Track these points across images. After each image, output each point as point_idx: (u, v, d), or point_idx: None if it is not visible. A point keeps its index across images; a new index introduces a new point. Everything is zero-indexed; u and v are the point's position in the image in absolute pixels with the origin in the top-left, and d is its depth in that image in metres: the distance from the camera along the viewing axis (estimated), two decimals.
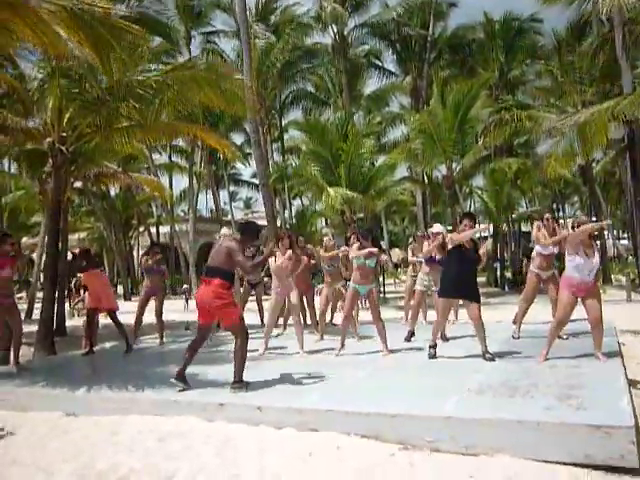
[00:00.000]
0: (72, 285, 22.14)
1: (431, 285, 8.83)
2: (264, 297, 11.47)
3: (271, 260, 8.04)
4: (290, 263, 8.06)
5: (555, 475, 3.96)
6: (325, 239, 9.92)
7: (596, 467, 3.99)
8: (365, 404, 5.03)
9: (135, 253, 36.74)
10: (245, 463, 4.30)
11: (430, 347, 7.18)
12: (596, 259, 6.47)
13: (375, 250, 7.67)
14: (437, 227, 8.91)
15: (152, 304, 10.08)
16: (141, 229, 35.87)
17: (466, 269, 6.98)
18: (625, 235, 48.91)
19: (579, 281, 6.43)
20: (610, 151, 24.69)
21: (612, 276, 25.65)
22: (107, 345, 10.35)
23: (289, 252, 8.02)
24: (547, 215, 8.20)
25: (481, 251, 7.19)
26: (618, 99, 11.40)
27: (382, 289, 22.05)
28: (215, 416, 5.29)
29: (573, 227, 6.70)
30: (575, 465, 4.02)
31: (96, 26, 8.66)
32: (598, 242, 30.47)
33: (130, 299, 23.03)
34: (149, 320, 10.63)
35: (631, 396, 5.05)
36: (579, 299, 6.56)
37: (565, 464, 4.04)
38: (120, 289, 31.09)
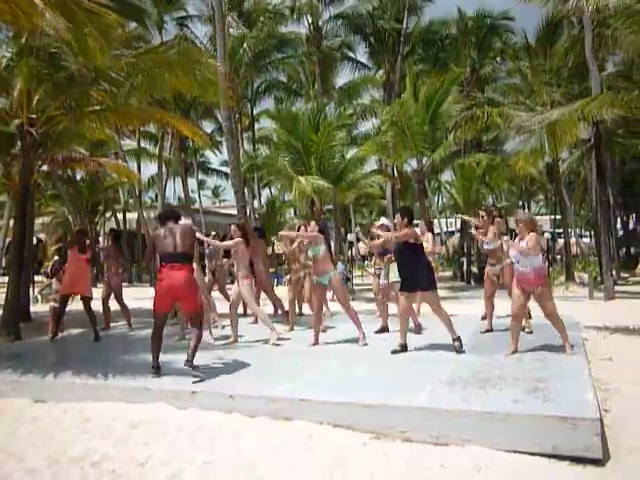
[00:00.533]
0: (49, 270, 21.60)
1: (387, 277, 8.85)
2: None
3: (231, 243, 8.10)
4: (241, 250, 7.99)
5: (523, 465, 4.07)
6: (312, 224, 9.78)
7: (562, 458, 4.11)
8: (338, 394, 5.09)
9: (101, 239, 36.20)
10: (219, 450, 4.33)
11: (400, 345, 7.19)
12: (512, 252, 6.67)
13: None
14: (382, 220, 9.07)
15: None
16: (108, 215, 35.35)
17: (409, 262, 7.03)
18: (588, 233, 49.96)
19: (518, 273, 6.67)
20: (576, 150, 25.14)
21: (575, 273, 26.13)
22: (74, 332, 10.21)
23: (237, 240, 7.98)
24: (482, 212, 8.41)
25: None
26: (587, 100, 11.62)
27: (351, 281, 22.12)
28: (187, 404, 5.30)
29: (516, 221, 6.91)
30: (542, 455, 4.14)
31: (72, 6, 8.52)
32: (561, 240, 31.00)
33: (96, 285, 22.69)
34: (115, 307, 10.56)
35: (595, 390, 5.20)
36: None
37: (533, 454, 4.16)
38: None
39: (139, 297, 18.04)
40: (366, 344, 7.60)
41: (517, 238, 6.88)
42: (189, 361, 5.88)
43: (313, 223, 8.06)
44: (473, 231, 8.52)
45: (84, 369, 6.35)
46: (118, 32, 11.27)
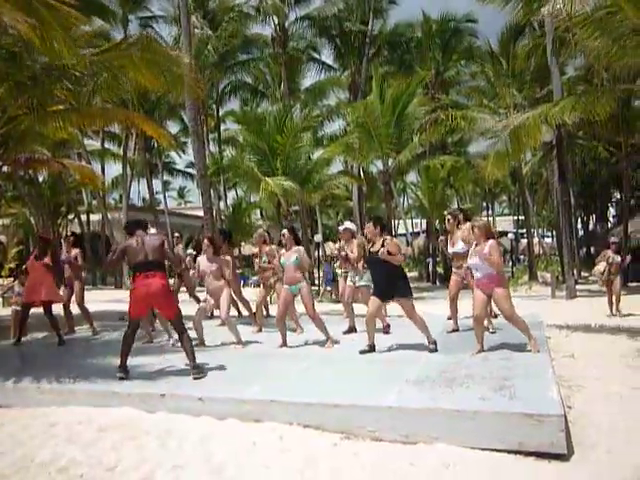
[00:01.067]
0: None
1: (354, 280, 8.87)
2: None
3: (200, 260, 8.06)
4: (215, 269, 7.95)
5: (490, 462, 4.14)
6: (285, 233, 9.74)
7: (528, 454, 4.19)
8: (307, 395, 5.11)
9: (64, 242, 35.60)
10: (189, 453, 4.30)
11: (368, 345, 7.20)
12: (477, 257, 6.78)
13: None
14: (347, 224, 9.10)
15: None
16: (71, 217, 34.78)
17: (380, 271, 7.06)
18: (550, 234, 50.94)
19: (478, 279, 6.83)
20: (539, 153, 25.64)
21: (538, 273, 26.67)
22: (39, 335, 10.02)
23: (216, 260, 7.96)
24: (448, 216, 8.53)
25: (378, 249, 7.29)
26: (550, 104, 11.87)
27: (317, 282, 22.20)
28: (156, 407, 5.25)
29: (472, 227, 7.05)
30: (509, 452, 4.22)
31: (33, 2, 8.36)
32: (524, 240, 31.55)
33: (59, 287, 22.35)
34: (77, 310, 10.41)
35: (559, 387, 5.32)
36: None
37: (500, 451, 4.23)
38: None
39: (103, 300, 17.84)
40: (333, 346, 7.62)
41: (474, 244, 6.95)
42: (193, 366, 5.99)
43: (286, 231, 8.01)
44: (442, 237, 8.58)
45: (49, 373, 6.23)
46: (81, 30, 11.10)
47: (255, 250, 9.95)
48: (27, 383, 6.00)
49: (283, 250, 8.13)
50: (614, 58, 8.82)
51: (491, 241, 6.72)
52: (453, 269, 8.56)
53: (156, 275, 6.06)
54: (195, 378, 5.88)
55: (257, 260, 9.72)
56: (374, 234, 7.09)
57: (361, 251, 8.26)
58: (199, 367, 6.05)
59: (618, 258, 12.59)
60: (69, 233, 11.21)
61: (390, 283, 6.97)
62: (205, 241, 8.25)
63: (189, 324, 8.85)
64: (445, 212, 8.82)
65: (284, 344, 7.75)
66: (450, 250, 8.37)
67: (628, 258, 13.28)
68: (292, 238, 7.82)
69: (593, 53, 9.31)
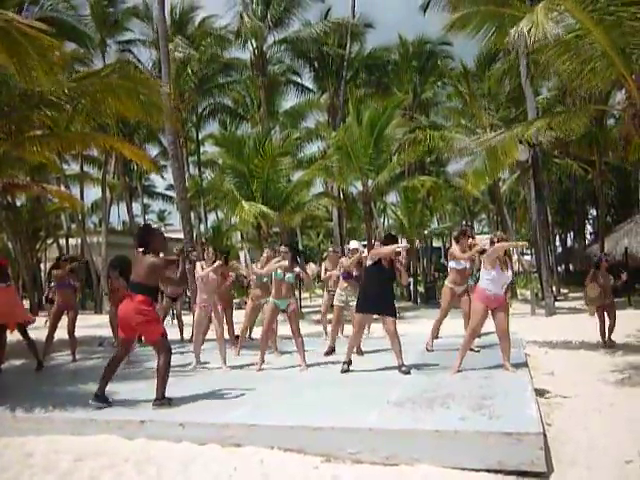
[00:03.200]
0: (44, 296, 21.33)
1: (349, 300, 8.99)
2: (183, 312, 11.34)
3: (198, 270, 8.04)
4: (218, 276, 8.03)
5: None
6: (266, 251, 9.71)
7: (508, 472, 4.21)
8: (288, 418, 5.10)
9: (42, 266, 35.19)
10: None
11: (344, 363, 7.28)
12: (509, 273, 6.85)
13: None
14: (354, 244, 9.16)
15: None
16: (49, 241, 34.45)
17: (383, 286, 7.18)
18: (529, 251, 51.37)
19: (493, 294, 6.79)
20: (516, 171, 25.97)
21: (517, 290, 26.85)
22: (16, 362, 9.87)
23: (217, 264, 8.00)
24: (464, 229, 8.60)
25: (398, 263, 7.38)
26: (525, 124, 12.08)
27: (299, 303, 22.14)
28: (135, 434, 5.18)
29: (492, 242, 7.06)
30: (489, 471, 4.23)
31: (9, 29, 8.37)
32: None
33: (37, 313, 22.01)
34: (59, 336, 10.27)
35: (538, 405, 5.36)
36: (490, 311, 6.93)
37: (480, 471, 4.24)
38: (26, 303, 29.66)
39: (82, 325, 17.61)
40: (306, 369, 7.63)
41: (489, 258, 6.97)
42: (157, 399, 5.78)
43: (285, 248, 8.00)
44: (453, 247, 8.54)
45: (25, 401, 6.12)
46: (58, 55, 11.11)
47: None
48: (1, 412, 5.89)
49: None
50: (585, 79, 9.04)
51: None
52: (450, 284, 8.54)
53: (133, 298, 5.83)
54: (154, 407, 5.70)
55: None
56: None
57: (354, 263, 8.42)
58: (163, 399, 5.80)
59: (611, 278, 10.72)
60: (63, 257, 11.06)
61: (385, 297, 7.10)
62: (210, 250, 8.22)
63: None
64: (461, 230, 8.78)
65: (262, 364, 7.74)
66: (453, 266, 8.36)
67: (624, 276, 10.96)
68: (292, 256, 7.82)
69: (564, 74, 9.52)
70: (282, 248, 8.04)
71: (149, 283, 5.89)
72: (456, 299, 8.49)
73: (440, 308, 8.83)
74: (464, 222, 43.94)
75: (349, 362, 7.29)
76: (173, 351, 8.45)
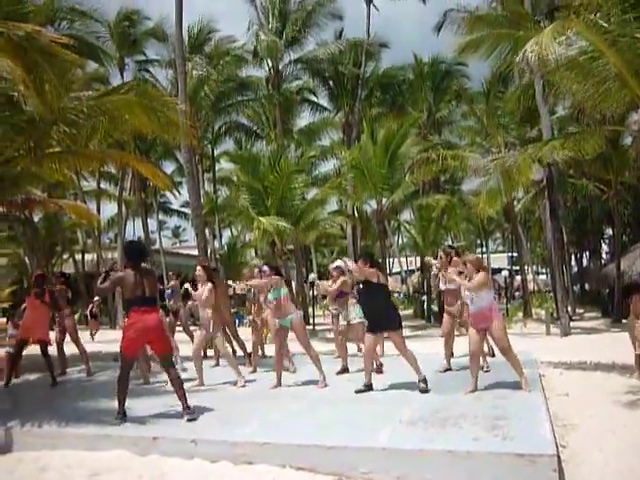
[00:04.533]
0: (88, 311, 21.73)
1: (350, 319, 8.94)
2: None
3: (206, 292, 8.09)
4: (210, 295, 7.98)
5: None
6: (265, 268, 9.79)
7: None
8: (300, 436, 5.10)
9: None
10: None
11: (364, 385, 7.20)
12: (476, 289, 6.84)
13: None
14: (337, 262, 9.20)
15: None
16: (65, 256, 34.74)
17: (376, 301, 7.13)
18: (544, 270, 51.05)
19: (471, 312, 6.87)
20: (531, 190, 25.91)
21: (532, 310, 26.65)
22: (31, 377, 9.94)
23: (209, 284, 7.99)
24: (440, 253, 8.62)
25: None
26: (540, 144, 12.10)
27: (312, 320, 22.14)
28: (148, 450, 5.21)
29: (464, 263, 7.12)
30: None
31: (28, 48, 8.54)
32: (518, 277, 31.53)
33: (52, 328, 22.22)
34: (70, 351, 10.36)
35: (552, 426, 5.32)
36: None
37: None
38: None
39: (97, 340, 17.74)
40: (326, 386, 7.61)
41: (467, 279, 7.04)
42: (186, 408, 5.95)
43: (266, 267, 8.09)
44: (435, 270, 8.63)
45: (40, 416, 6.17)
46: (77, 73, 11.31)
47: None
48: (16, 426, 5.93)
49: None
50: (599, 100, 9.06)
51: (481, 272, 6.83)
52: (445, 307, 8.62)
53: (153, 311, 6.07)
54: (189, 420, 5.84)
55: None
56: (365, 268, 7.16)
57: (345, 285, 8.48)
58: (191, 408, 5.99)
59: None
60: (56, 274, 11.23)
61: (382, 313, 7.06)
62: (198, 267, 8.25)
63: (187, 363, 8.93)
64: (439, 250, 8.89)
65: (279, 384, 7.73)
66: (442, 287, 8.43)
67: None
68: (273, 272, 7.86)
69: (578, 95, 9.55)
70: (264, 267, 8.19)
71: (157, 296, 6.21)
72: (455, 319, 8.46)
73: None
74: (477, 242, 43.82)
75: (369, 385, 7.21)
76: (184, 366, 8.58)
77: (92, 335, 19.91)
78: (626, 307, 21.54)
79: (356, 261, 7.45)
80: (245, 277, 10.04)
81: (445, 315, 8.61)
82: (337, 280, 8.86)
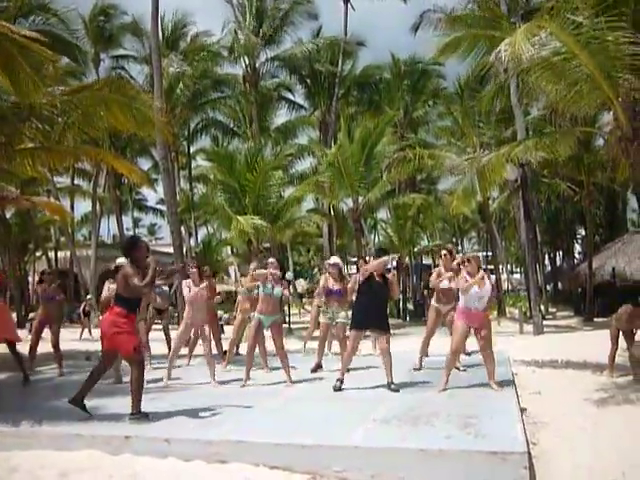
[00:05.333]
0: (80, 309, 21.09)
1: (335, 317, 8.97)
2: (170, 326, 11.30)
3: (185, 289, 8.07)
4: (205, 292, 8.05)
5: None
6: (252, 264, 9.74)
7: None
8: (274, 435, 5.09)
9: (30, 278, 34.96)
10: None
11: (337, 380, 7.27)
12: (486, 287, 6.88)
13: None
14: (334, 259, 9.19)
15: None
16: (38, 253, 34.28)
17: (376, 301, 7.19)
18: (518, 270, 51.65)
19: (471, 311, 6.85)
20: (506, 190, 26.19)
21: (506, 309, 26.94)
22: (1, 376, 9.80)
23: (205, 282, 8.03)
24: (444, 251, 8.64)
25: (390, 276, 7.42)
26: (514, 144, 12.24)
27: (287, 319, 22.13)
28: (120, 449, 5.15)
29: (463, 262, 7.16)
30: None
31: (2, 41, 8.41)
32: (493, 276, 31.87)
33: (24, 326, 21.87)
34: (45, 350, 10.21)
35: (524, 424, 5.38)
36: (473, 330, 6.98)
37: None
38: (14, 316, 29.41)
39: (69, 338, 17.51)
40: (291, 385, 7.62)
41: (467, 276, 7.04)
42: (133, 413, 5.79)
43: (274, 260, 8.04)
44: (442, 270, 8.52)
45: (10, 415, 6.06)
46: (51, 69, 11.15)
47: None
48: None
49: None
50: (572, 101, 9.18)
51: (482, 272, 6.92)
52: (435, 304, 8.57)
53: (112, 309, 5.97)
54: (130, 421, 5.71)
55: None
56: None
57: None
58: (139, 413, 5.81)
59: None
60: (47, 271, 11.03)
61: (382, 312, 7.16)
62: (193, 268, 8.25)
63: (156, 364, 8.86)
64: (443, 249, 8.84)
65: (247, 380, 7.73)
66: (446, 285, 8.36)
67: None
68: (280, 268, 7.86)
69: (551, 96, 9.67)
70: (270, 259, 8.08)
71: (124, 294, 5.94)
72: (442, 318, 8.51)
73: (426, 327, 8.86)
74: (452, 241, 44.16)
75: (342, 380, 7.26)
76: (159, 366, 8.49)
77: (82, 333, 19.40)
78: (598, 306, 21.95)
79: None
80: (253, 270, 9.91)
81: (434, 311, 8.55)
82: (336, 278, 8.78)
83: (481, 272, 6.91)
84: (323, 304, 9.16)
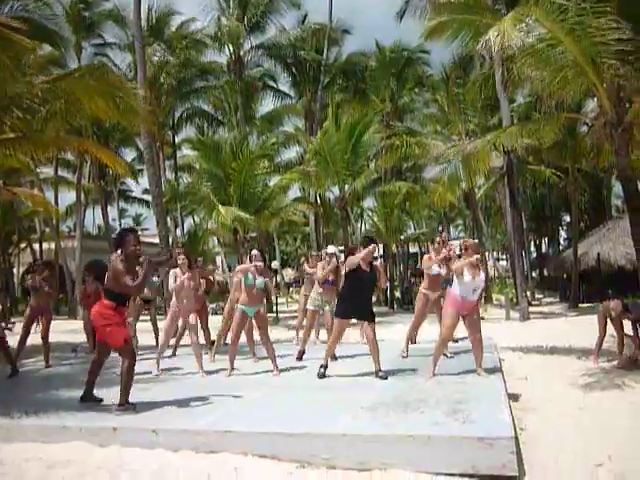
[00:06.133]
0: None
1: (323, 305, 9.00)
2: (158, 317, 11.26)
3: (171, 279, 8.02)
4: (191, 283, 8.01)
5: None
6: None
7: (481, 477, 4.24)
8: (262, 424, 5.08)
9: (15, 270, 34.67)
10: None
11: (321, 366, 7.29)
12: (481, 278, 6.89)
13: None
14: (331, 248, 9.17)
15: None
16: (22, 245, 33.96)
17: (363, 290, 7.18)
18: (504, 257, 51.96)
19: (464, 299, 6.84)
20: (492, 177, 26.26)
21: (493, 295, 27.09)
22: None
23: (188, 273, 7.98)
24: (438, 239, 8.65)
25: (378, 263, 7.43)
26: (499, 131, 12.25)
27: (275, 308, 22.11)
28: (108, 441, 5.12)
29: (461, 249, 7.13)
30: (462, 475, 4.25)
31: None
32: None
33: (9, 318, 21.75)
34: (33, 341, 10.13)
35: (511, 409, 5.41)
36: (461, 317, 6.99)
37: (453, 475, 4.27)
38: None
39: (56, 330, 17.38)
40: (278, 374, 7.62)
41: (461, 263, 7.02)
42: (120, 404, 5.76)
43: (257, 252, 8.01)
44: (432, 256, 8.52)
45: None
46: (32, 57, 11.00)
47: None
48: None
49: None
50: (557, 88, 9.18)
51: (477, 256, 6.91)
52: (424, 290, 8.60)
53: (100, 302, 5.96)
54: (117, 412, 5.68)
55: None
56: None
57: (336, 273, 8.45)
58: (127, 404, 5.80)
59: None
60: (37, 262, 10.92)
61: (367, 303, 7.17)
62: (181, 255, 8.19)
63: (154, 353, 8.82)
64: (438, 236, 8.84)
65: (232, 370, 7.72)
66: (436, 271, 8.36)
67: None
68: (262, 259, 7.84)
69: (536, 82, 9.67)
70: (254, 252, 8.05)
71: (112, 288, 5.88)
72: (431, 305, 8.52)
73: (415, 314, 8.87)
74: (440, 228, 44.29)
75: (325, 366, 7.29)
76: (147, 357, 8.46)
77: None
78: (583, 292, 22.11)
79: (319, 248, 7.44)
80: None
81: (423, 298, 8.51)
82: (326, 266, 8.79)
83: (475, 256, 6.88)
84: (316, 292, 9.15)
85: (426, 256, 8.68)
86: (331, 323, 8.42)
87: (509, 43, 7.99)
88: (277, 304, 23.88)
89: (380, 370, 7.05)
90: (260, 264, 7.67)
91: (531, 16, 8.16)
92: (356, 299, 7.14)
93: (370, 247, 7.17)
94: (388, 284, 29.56)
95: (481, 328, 6.96)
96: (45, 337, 9.65)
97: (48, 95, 10.61)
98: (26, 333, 9.64)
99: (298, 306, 11.71)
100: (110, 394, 6.48)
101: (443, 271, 8.22)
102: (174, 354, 9.92)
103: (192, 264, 8.39)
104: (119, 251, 5.92)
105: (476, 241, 7.81)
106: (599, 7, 8.22)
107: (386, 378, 6.94)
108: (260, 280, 7.67)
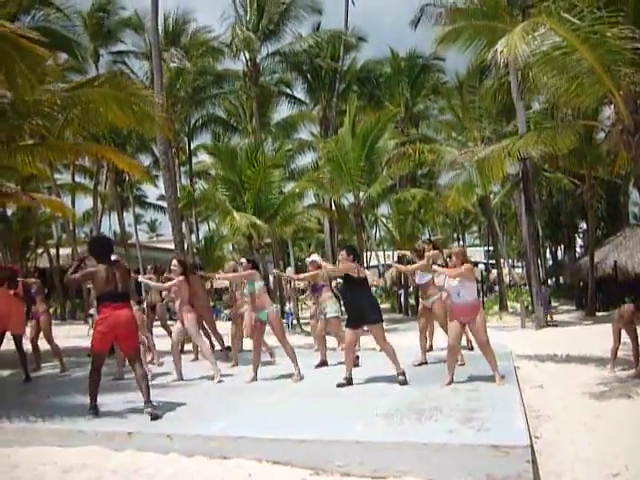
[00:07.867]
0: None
1: (323, 312, 8.96)
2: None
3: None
4: (174, 289, 8.01)
5: None
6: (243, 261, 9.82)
7: None
8: (276, 430, 5.09)
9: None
10: None
11: (344, 379, 7.15)
12: (465, 282, 6.83)
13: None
14: (313, 257, 9.20)
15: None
16: (40, 251, 34.28)
17: (357, 295, 7.12)
18: (520, 264, 51.61)
19: (455, 305, 6.87)
20: (507, 184, 26.15)
21: (508, 303, 26.91)
22: (4, 373, 9.80)
23: (179, 279, 7.95)
24: (416, 246, 8.74)
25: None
26: (514, 138, 12.20)
27: (290, 312, 22.13)
28: (123, 446, 5.16)
29: (450, 256, 7.15)
30: None
31: None
32: (494, 270, 31.70)
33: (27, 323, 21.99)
34: (46, 346, 10.24)
35: (526, 417, 5.38)
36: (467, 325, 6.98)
37: None
38: None
39: (72, 335, 17.55)
40: (301, 379, 7.62)
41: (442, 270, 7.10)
42: (147, 402, 5.83)
43: (244, 260, 8.05)
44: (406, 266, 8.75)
45: (12, 412, 6.09)
46: (50, 65, 11.11)
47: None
48: None
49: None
50: (573, 95, 9.14)
51: (466, 264, 6.87)
52: (420, 300, 8.68)
53: (125, 306, 5.99)
54: (149, 414, 5.71)
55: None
56: (347, 260, 7.12)
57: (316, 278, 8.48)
58: (153, 403, 5.87)
59: None
60: (32, 268, 11.09)
61: (363, 307, 7.03)
62: (174, 261, 8.25)
63: (163, 358, 8.89)
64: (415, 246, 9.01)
65: (255, 378, 7.71)
66: (417, 281, 8.45)
67: None
68: (251, 266, 7.85)
69: (552, 90, 9.63)
70: (241, 260, 8.11)
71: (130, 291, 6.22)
72: (429, 312, 8.50)
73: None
74: (453, 236, 44.14)
75: (349, 379, 7.20)
76: (162, 360, 8.53)
77: None
78: (600, 300, 21.90)
79: (334, 254, 7.46)
80: (225, 271, 9.98)
81: (421, 308, 8.65)
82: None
83: (466, 265, 6.86)
84: (329, 299, 9.17)
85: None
86: (336, 329, 8.49)
87: (516, 56, 8.00)
88: (292, 309, 23.87)
89: (401, 373, 7.00)
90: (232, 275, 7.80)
91: (545, 25, 8.12)
92: (353, 309, 7.10)
93: (349, 265, 7.07)
94: (403, 291, 29.52)
95: (486, 332, 6.88)
96: (48, 339, 9.84)
97: (66, 102, 10.72)
98: (34, 337, 9.85)
99: (310, 312, 11.72)
100: (123, 399, 6.54)
101: (423, 280, 8.26)
102: (197, 358, 9.97)
103: (187, 271, 8.32)
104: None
105: (460, 249, 7.84)
106: (613, 16, 8.20)
107: (406, 383, 6.90)
108: (249, 285, 7.69)
